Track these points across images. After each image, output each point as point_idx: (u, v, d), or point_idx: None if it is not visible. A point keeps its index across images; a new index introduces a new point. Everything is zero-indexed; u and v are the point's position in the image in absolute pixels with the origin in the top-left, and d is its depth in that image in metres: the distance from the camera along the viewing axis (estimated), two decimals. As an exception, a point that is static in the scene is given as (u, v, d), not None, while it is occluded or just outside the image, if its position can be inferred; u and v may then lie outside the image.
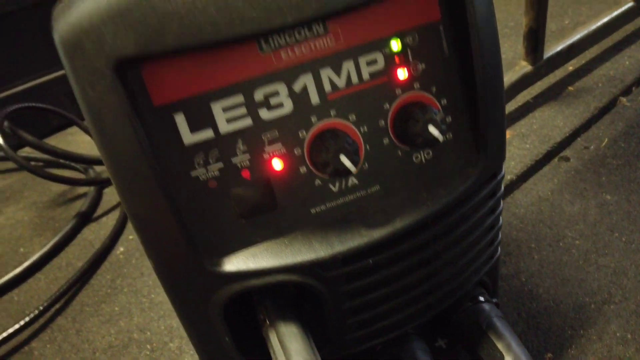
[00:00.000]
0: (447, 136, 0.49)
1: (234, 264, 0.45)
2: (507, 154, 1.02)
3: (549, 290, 0.79)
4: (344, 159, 0.42)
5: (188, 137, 0.42)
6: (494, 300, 0.64)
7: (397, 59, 0.45)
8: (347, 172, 0.43)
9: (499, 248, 0.62)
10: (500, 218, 0.58)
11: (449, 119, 0.48)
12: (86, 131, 1.37)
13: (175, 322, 0.87)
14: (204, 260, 0.44)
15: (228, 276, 0.45)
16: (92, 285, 0.99)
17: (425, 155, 0.49)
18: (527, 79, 1.20)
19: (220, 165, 0.43)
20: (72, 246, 1.11)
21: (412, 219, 0.47)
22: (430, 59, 0.46)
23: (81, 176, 1.34)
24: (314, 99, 0.44)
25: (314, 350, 0.45)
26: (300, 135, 0.44)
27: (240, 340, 0.50)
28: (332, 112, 0.45)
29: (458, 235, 0.52)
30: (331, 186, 0.47)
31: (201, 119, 0.42)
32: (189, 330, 0.50)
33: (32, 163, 1.39)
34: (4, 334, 0.90)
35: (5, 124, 1.12)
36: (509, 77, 1.18)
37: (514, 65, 1.26)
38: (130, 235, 1.11)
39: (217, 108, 0.42)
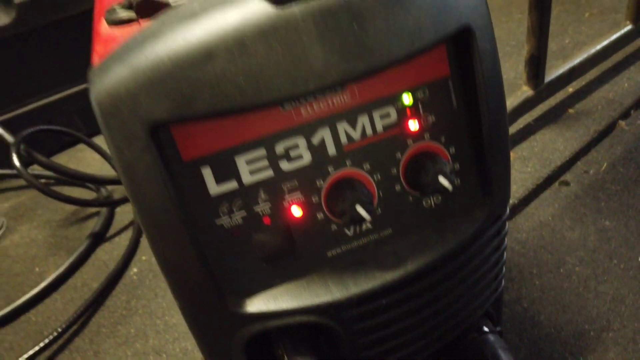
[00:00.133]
0: (456, 182, 0.52)
1: (255, 305, 0.48)
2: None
3: (550, 316, 0.82)
4: (360, 209, 0.45)
5: (214, 188, 0.45)
6: (498, 329, 0.67)
7: (408, 112, 0.48)
8: (362, 220, 0.46)
9: (503, 281, 0.64)
10: (505, 254, 0.61)
11: (457, 167, 0.51)
12: (97, 150, 1.40)
13: (189, 344, 0.90)
14: (227, 301, 0.47)
15: (250, 317, 0.47)
16: (108, 307, 1.02)
17: (435, 200, 0.52)
18: (528, 103, 1.23)
19: (243, 213, 0.46)
20: (86, 266, 1.14)
21: (422, 262, 0.50)
22: (439, 111, 0.49)
23: (93, 194, 1.37)
24: (331, 150, 0.47)
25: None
26: (318, 184, 0.47)
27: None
28: (348, 162, 0.48)
29: (465, 273, 0.55)
30: (346, 231, 0.50)
31: (226, 171, 0.44)
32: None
33: (43, 181, 1.42)
34: (25, 356, 0.93)
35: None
36: (510, 102, 1.21)
37: (516, 88, 1.29)
38: (143, 256, 1.14)
39: (241, 161, 0.45)
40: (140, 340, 0.93)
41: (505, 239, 0.59)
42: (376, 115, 0.47)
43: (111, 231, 1.25)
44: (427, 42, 0.41)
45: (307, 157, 0.46)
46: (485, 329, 0.65)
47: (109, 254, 1.17)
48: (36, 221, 1.35)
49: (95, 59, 0.47)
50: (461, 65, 0.48)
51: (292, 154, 0.46)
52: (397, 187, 0.50)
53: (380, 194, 0.50)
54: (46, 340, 0.94)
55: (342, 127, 0.47)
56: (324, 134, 0.46)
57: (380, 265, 0.50)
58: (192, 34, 0.38)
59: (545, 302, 0.85)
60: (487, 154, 0.50)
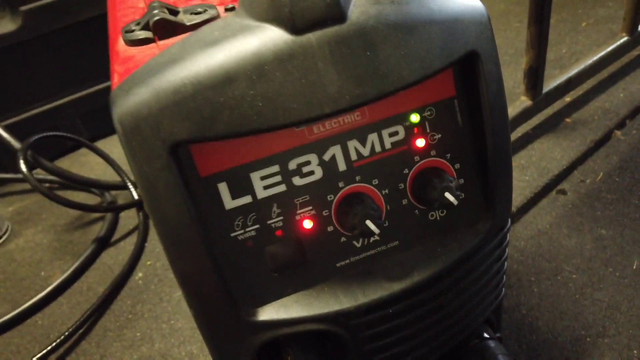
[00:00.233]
0: (460, 196, 0.54)
1: (267, 314, 0.49)
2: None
3: (547, 323, 0.84)
4: (369, 224, 0.47)
5: (229, 202, 0.47)
6: (498, 335, 0.69)
7: (416, 130, 0.50)
8: (371, 234, 0.48)
9: (503, 289, 0.67)
10: (505, 263, 0.63)
11: (461, 182, 0.54)
12: (100, 155, 1.41)
13: (195, 348, 0.92)
14: (240, 310, 0.49)
15: (261, 325, 0.49)
16: (113, 311, 1.04)
17: (440, 213, 0.54)
18: (526, 113, 1.25)
19: (256, 226, 0.48)
20: (91, 270, 1.16)
21: (428, 272, 0.52)
22: (445, 129, 0.51)
23: (97, 199, 1.39)
24: (342, 166, 0.49)
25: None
26: (329, 198, 0.49)
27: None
28: (358, 178, 0.50)
29: (468, 282, 0.57)
30: (355, 242, 0.52)
31: (241, 186, 0.46)
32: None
33: (47, 185, 1.44)
34: (33, 360, 0.94)
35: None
36: (509, 112, 1.23)
37: (514, 97, 1.32)
38: (148, 261, 1.16)
39: (255, 177, 0.47)
40: (146, 344, 0.95)
41: (507, 249, 0.62)
42: (385, 133, 0.49)
43: (116, 236, 1.26)
44: (436, 68, 0.43)
45: (318, 173, 0.48)
46: (486, 335, 0.67)
47: (114, 258, 1.19)
48: (41, 225, 1.37)
49: (115, 78, 0.49)
50: (466, 86, 0.50)
51: (304, 170, 0.48)
52: (404, 201, 0.52)
53: (388, 207, 0.52)
54: (53, 344, 0.96)
55: (353, 145, 0.49)
56: (335, 151, 0.48)
57: (388, 275, 0.52)
58: (213, 59, 0.40)
59: (543, 308, 0.87)
60: (491, 170, 0.52)
